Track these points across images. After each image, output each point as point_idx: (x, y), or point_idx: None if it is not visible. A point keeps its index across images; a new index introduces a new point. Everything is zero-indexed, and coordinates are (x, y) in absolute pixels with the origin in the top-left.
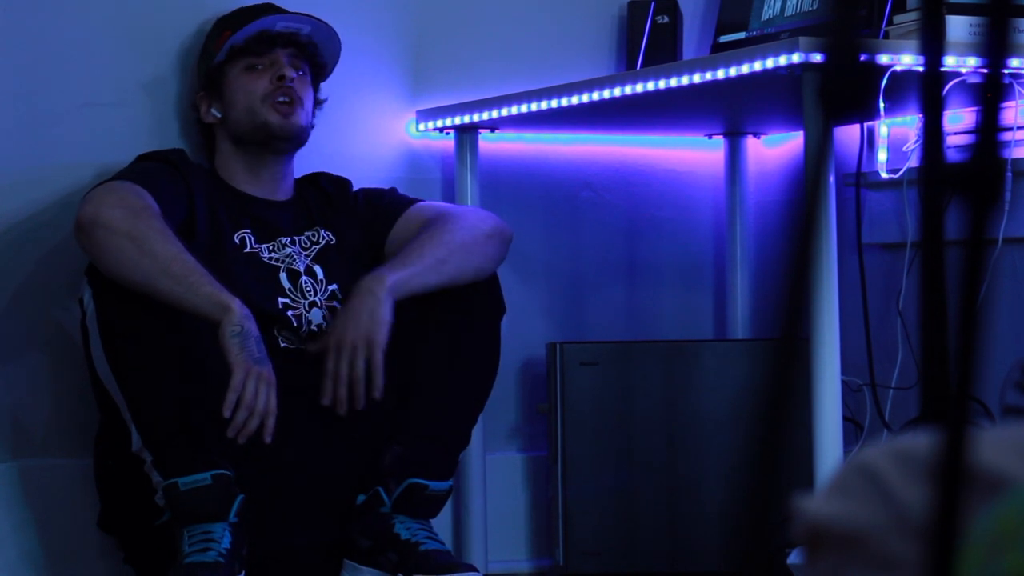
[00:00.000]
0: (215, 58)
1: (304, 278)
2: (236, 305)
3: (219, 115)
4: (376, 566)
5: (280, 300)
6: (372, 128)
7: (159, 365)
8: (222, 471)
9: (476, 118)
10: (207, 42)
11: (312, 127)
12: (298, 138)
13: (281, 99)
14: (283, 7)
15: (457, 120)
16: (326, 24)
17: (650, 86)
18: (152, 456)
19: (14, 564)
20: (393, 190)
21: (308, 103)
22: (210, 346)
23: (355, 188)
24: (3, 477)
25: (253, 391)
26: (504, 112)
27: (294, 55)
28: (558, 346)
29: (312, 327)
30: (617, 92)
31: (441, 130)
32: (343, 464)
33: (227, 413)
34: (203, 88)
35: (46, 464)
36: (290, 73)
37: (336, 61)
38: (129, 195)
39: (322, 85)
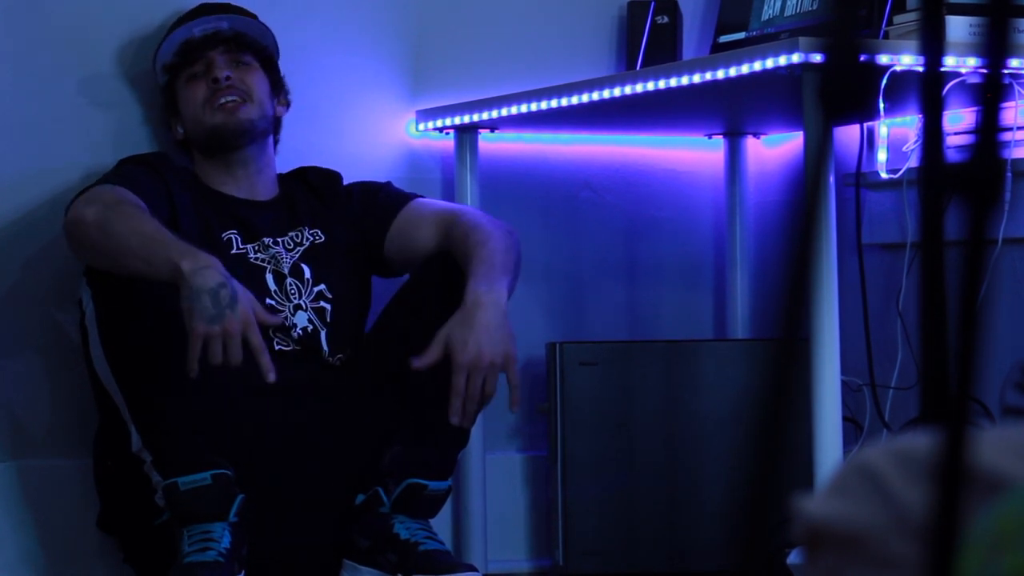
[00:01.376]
0: (159, 81)
1: (289, 280)
2: (185, 264)
3: (182, 131)
4: (376, 566)
5: (268, 302)
6: (372, 128)
7: (158, 365)
8: (222, 471)
9: (476, 118)
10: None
11: (282, 107)
12: (250, 131)
13: (222, 100)
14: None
15: (457, 120)
16: (244, 15)
17: (650, 86)
18: (152, 456)
19: (14, 564)
20: (389, 184)
21: (260, 91)
22: None
23: (348, 181)
24: (3, 477)
25: (216, 354)
26: (504, 112)
27: (228, 51)
28: (558, 346)
29: (297, 331)
30: (617, 92)
31: (441, 130)
32: (342, 464)
33: (192, 375)
34: (165, 110)
35: (45, 464)
36: (223, 73)
37: (274, 41)
38: (106, 193)
39: (321, 85)
